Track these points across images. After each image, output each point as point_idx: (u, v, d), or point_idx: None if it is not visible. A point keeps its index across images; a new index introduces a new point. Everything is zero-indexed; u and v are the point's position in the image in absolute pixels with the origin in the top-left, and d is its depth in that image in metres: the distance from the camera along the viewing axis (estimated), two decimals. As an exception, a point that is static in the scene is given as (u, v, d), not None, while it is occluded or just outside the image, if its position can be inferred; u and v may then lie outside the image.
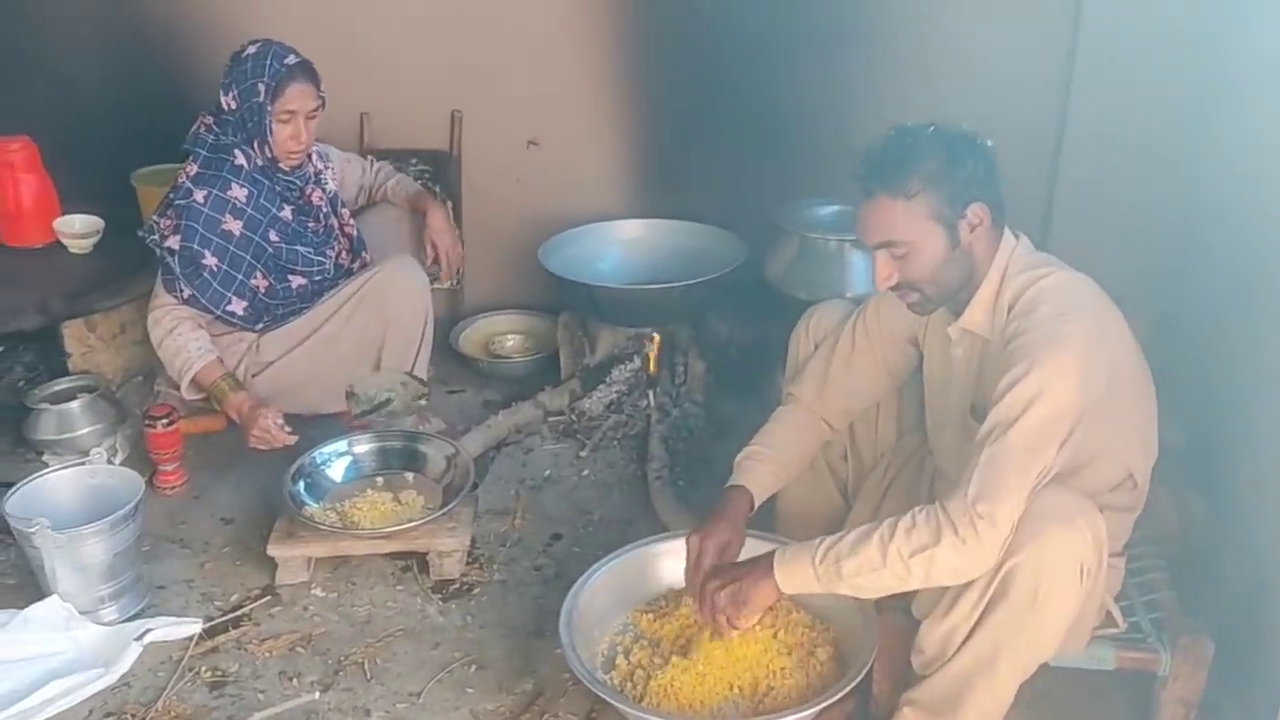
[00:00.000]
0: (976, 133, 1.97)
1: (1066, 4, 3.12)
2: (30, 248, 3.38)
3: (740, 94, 3.48)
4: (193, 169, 2.86)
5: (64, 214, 3.39)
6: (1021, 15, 3.20)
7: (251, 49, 2.84)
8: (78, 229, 3.37)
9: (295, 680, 2.35)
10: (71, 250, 3.36)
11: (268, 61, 2.80)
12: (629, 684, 2.11)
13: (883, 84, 3.35)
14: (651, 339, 3.30)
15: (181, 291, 2.84)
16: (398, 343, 2.97)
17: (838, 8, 3.33)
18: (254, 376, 2.99)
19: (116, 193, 3.50)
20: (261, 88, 2.79)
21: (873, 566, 1.84)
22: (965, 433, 2.07)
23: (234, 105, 2.84)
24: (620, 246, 3.64)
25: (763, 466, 2.26)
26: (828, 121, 3.38)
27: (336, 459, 2.82)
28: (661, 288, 3.33)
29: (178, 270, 2.83)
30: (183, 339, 2.87)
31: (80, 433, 3.02)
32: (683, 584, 2.29)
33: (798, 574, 1.93)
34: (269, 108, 2.80)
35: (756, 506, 2.24)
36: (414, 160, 3.66)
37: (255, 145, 2.86)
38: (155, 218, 2.90)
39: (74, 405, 3.04)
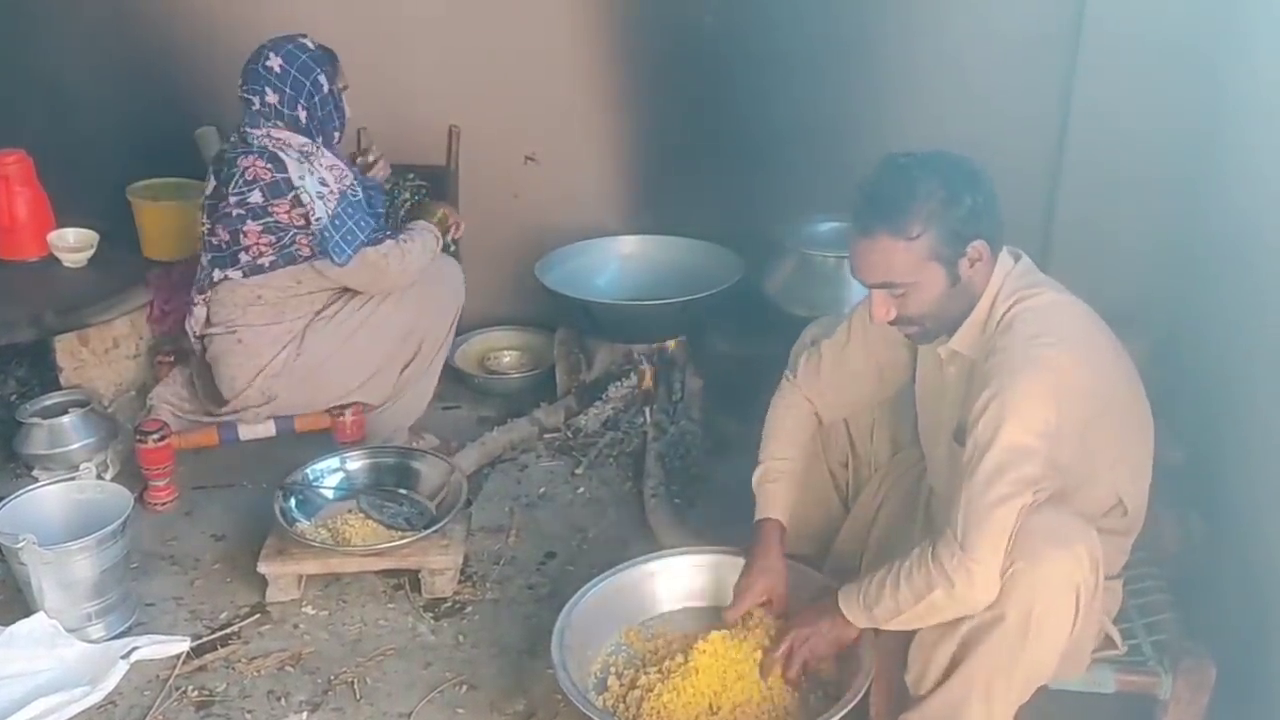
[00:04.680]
0: (972, 160, 1.94)
1: (1066, 23, 3.11)
2: (24, 261, 3.36)
3: (739, 111, 3.47)
4: (265, 165, 2.77)
5: (58, 227, 3.38)
6: (1021, 35, 3.19)
7: (276, 59, 2.80)
8: (72, 243, 3.35)
9: (284, 700, 2.33)
10: (65, 264, 3.34)
11: (303, 57, 2.82)
12: (621, 705, 2.08)
13: (882, 102, 3.34)
14: (650, 360, 3.30)
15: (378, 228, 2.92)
16: (435, 329, 3.08)
17: (837, 27, 3.32)
18: (296, 360, 2.95)
19: (111, 207, 3.48)
20: (323, 78, 2.84)
21: (893, 613, 1.92)
22: (951, 453, 2.05)
23: (305, 115, 2.83)
24: (617, 262, 3.62)
25: (782, 485, 2.25)
26: (826, 139, 3.37)
27: (329, 475, 2.79)
28: (659, 304, 3.32)
29: (352, 212, 2.85)
30: (406, 244, 2.93)
31: (71, 448, 2.99)
32: (677, 606, 2.31)
33: (860, 618, 2.00)
34: (337, 89, 2.88)
35: (788, 529, 2.24)
36: (411, 175, 3.64)
37: (336, 138, 2.93)
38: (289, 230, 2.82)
39: (65, 420, 3.02)
